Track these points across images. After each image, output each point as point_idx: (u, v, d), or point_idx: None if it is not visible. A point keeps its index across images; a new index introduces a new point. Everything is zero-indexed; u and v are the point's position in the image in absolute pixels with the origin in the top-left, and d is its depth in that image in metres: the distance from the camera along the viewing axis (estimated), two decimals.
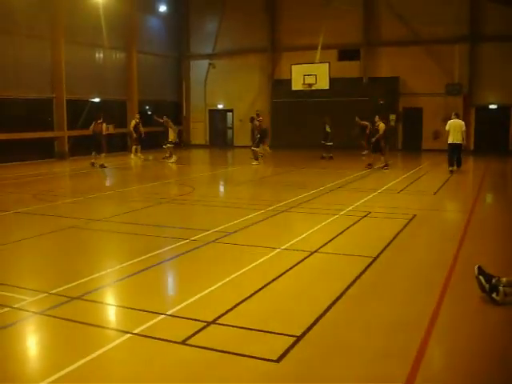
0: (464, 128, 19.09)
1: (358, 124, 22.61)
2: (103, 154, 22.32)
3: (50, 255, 8.77)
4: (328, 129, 24.12)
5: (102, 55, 28.45)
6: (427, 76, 28.91)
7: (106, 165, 21.90)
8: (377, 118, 20.28)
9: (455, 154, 19.18)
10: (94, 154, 22.30)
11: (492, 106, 28.47)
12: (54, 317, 5.83)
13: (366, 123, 22.01)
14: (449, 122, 19.28)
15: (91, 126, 22.30)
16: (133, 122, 25.80)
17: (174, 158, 23.72)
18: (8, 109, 23.71)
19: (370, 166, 20.35)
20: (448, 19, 28.27)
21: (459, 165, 19.49)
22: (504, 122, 28.12)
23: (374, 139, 20.23)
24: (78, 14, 26.35)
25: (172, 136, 24.45)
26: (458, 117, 19.65)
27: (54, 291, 6.55)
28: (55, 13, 25.10)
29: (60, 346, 5.25)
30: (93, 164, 22.10)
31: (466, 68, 28.44)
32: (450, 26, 28.32)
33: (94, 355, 4.86)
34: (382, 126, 19.97)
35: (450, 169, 19.04)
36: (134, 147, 25.95)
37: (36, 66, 24.78)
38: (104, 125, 22.34)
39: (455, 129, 18.89)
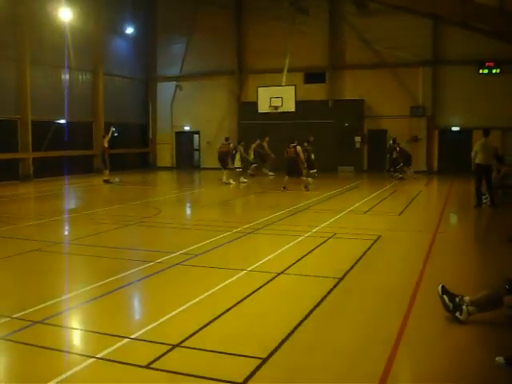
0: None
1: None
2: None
3: (12, 279, 8.59)
4: (312, 156, 24.33)
5: (68, 77, 28.20)
6: (391, 99, 29.50)
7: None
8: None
9: None
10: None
11: (455, 128, 29.09)
12: (16, 342, 5.71)
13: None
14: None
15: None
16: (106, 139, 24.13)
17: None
18: None
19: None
20: (412, 43, 28.95)
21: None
22: (466, 144, 28.60)
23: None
24: (44, 36, 26.22)
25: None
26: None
27: (16, 315, 6.42)
28: (21, 34, 24.91)
29: (22, 372, 5.13)
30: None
31: (430, 91, 29.08)
32: (414, 49, 29.00)
33: (56, 380, 4.76)
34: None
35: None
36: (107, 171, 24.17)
37: (1, 87, 24.51)
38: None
39: None
